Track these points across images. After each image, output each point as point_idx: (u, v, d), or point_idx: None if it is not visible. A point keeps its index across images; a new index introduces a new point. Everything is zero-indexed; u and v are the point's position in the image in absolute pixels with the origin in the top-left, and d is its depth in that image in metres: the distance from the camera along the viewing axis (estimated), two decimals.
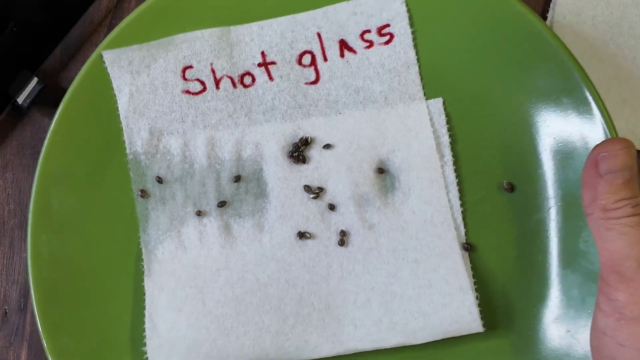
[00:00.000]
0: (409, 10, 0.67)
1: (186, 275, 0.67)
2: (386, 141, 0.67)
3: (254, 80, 0.69)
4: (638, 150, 0.63)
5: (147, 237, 0.68)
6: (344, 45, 0.68)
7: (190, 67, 0.69)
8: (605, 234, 0.51)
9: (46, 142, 0.67)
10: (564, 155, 0.64)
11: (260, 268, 0.67)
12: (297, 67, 0.69)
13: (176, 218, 0.68)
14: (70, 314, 0.66)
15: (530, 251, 0.65)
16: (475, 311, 0.63)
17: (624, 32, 0.72)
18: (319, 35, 0.68)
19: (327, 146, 0.67)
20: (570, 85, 0.62)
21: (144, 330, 0.66)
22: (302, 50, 0.69)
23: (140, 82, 0.68)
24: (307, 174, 0.68)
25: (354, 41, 0.68)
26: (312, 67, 0.69)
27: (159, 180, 0.68)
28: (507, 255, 0.66)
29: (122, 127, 0.68)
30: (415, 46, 0.67)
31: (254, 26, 0.68)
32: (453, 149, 0.67)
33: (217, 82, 0.69)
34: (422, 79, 0.67)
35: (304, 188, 0.67)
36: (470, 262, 0.65)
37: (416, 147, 0.67)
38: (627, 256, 0.50)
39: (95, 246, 0.68)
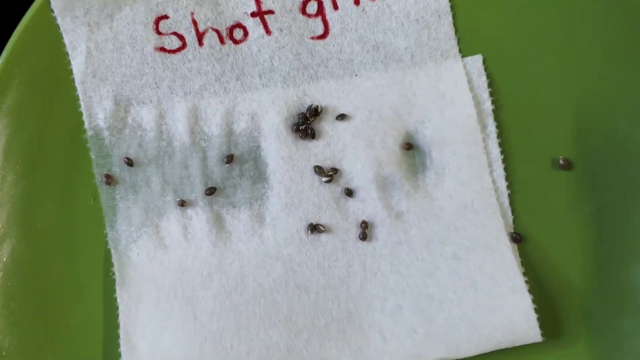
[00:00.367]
0: None
1: (170, 282, 0.57)
2: (414, 109, 0.59)
3: (246, 34, 0.59)
4: None
5: (117, 234, 0.58)
6: None
7: (165, 17, 0.58)
8: None
9: None
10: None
11: (263, 270, 0.57)
12: (301, 17, 0.59)
13: (153, 210, 0.58)
14: (31, 333, 0.56)
15: (592, 241, 0.58)
16: (532, 317, 0.55)
17: None
18: None
19: (341, 117, 0.59)
20: None
21: (119, 354, 0.56)
22: None
23: (101, 36, 0.58)
24: (318, 151, 0.59)
25: None
26: (319, 18, 0.59)
27: (129, 162, 0.58)
28: (563, 247, 0.58)
29: (78, 95, 0.58)
30: None
31: None
32: (497, 118, 0.59)
33: (199, 37, 0.59)
34: (456, 32, 0.59)
35: (314, 169, 0.58)
36: (520, 256, 0.58)
37: (451, 116, 0.58)
38: None
39: (50, 247, 0.58)
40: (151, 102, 0.58)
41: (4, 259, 0.56)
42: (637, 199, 0.57)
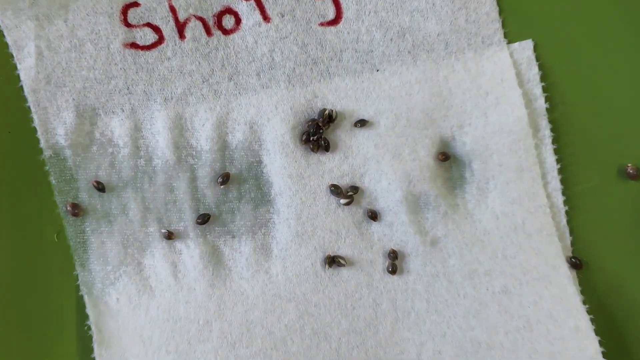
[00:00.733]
0: None
1: (160, 335, 0.51)
2: (450, 112, 0.52)
3: (238, 21, 0.52)
4: None
5: (90, 276, 0.52)
6: None
7: (135, 4, 0.52)
8: None
9: None
10: None
11: (272, 315, 0.52)
12: None
13: (133, 244, 0.52)
14: None
15: None
16: None
17: None
18: None
19: (361, 122, 0.52)
20: None
21: None
22: None
23: (54, 33, 0.51)
24: (333, 167, 0.52)
25: None
26: None
27: (99, 186, 0.52)
28: (631, 273, 0.53)
29: (29, 106, 0.52)
30: None
31: None
32: (551, 119, 0.52)
33: (180, 28, 0.51)
34: (500, 12, 0.52)
35: (330, 189, 0.52)
36: (579, 284, 0.52)
37: (497, 118, 0.52)
38: None
39: (6, 300, 0.52)
40: (123, 111, 0.51)
41: None
42: None
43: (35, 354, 0.51)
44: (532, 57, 0.52)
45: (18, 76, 0.50)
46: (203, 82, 0.51)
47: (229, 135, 0.52)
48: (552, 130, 0.52)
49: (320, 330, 0.51)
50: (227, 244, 0.52)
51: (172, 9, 0.50)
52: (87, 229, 0.51)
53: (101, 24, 0.50)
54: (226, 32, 0.51)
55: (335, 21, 0.51)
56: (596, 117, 0.52)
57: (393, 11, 0.51)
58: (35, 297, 0.51)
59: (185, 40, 0.51)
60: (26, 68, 0.50)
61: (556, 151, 0.52)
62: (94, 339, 0.50)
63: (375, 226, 0.52)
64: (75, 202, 0.51)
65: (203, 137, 0.51)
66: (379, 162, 0.52)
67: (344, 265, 0.51)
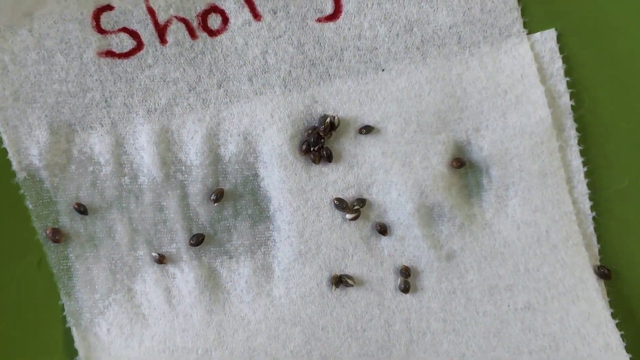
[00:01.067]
0: None
1: None
2: (465, 113, 0.49)
3: (226, 21, 0.48)
4: None
5: (76, 305, 0.49)
6: None
7: (109, 7, 0.47)
8: None
9: None
10: None
11: (277, 341, 0.48)
12: None
13: (122, 269, 0.49)
14: None
15: None
16: None
17: None
18: None
19: (366, 129, 0.48)
20: None
21: None
22: None
23: (18, 44, 0.47)
24: (337, 178, 0.49)
25: None
26: None
27: (81, 208, 0.48)
28: None
29: None
30: None
31: None
32: (577, 118, 0.48)
33: (160, 32, 0.47)
34: (519, 1, 0.48)
35: (334, 203, 0.48)
36: (607, 295, 0.49)
37: (517, 119, 0.48)
38: None
39: None
40: (102, 126, 0.48)
41: None
42: None
43: None
44: (556, 48, 0.48)
45: None
46: (189, 90, 0.48)
47: (221, 147, 0.48)
48: (577, 130, 0.48)
49: (329, 355, 0.48)
50: (224, 266, 0.48)
51: (151, 11, 0.46)
52: (71, 255, 0.48)
53: (71, 31, 0.46)
54: (212, 33, 0.47)
55: (334, 16, 0.47)
56: (626, 113, 0.49)
57: (398, 2, 0.47)
58: (19, 330, 0.48)
59: (167, 44, 0.47)
60: None
61: (582, 153, 0.48)
62: None
63: (385, 241, 0.49)
64: (56, 227, 0.48)
65: (192, 151, 0.47)
66: (388, 171, 0.48)
67: (352, 285, 0.47)
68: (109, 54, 0.47)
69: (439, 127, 0.48)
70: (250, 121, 0.47)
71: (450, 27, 0.47)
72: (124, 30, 0.47)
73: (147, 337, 0.48)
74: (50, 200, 0.47)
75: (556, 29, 0.48)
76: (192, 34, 0.47)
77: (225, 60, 0.47)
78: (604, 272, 0.48)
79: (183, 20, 0.46)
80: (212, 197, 0.48)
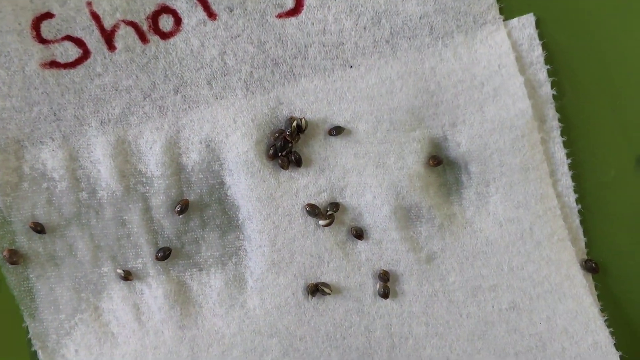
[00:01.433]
0: None
1: None
2: (440, 108, 0.46)
3: (178, 21, 0.44)
4: None
5: (41, 327, 0.46)
6: None
7: (49, 15, 0.43)
8: None
9: None
10: None
11: (254, 354, 0.46)
12: None
13: (86, 287, 0.46)
14: None
15: None
16: None
17: None
18: None
19: (336, 130, 0.46)
20: None
21: None
22: None
23: None
24: (308, 183, 0.46)
25: None
26: None
27: (38, 227, 0.45)
28: None
29: None
30: None
31: None
32: (559, 108, 0.46)
33: (108, 38, 0.43)
34: None
35: (306, 209, 0.46)
36: (595, 289, 0.47)
37: (495, 112, 0.45)
38: None
39: None
40: (53, 140, 0.44)
41: None
42: None
43: None
44: (535, 35, 0.45)
45: None
46: (144, 98, 0.44)
47: (182, 156, 0.45)
48: (560, 120, 0.46)
49: None
50: (194, 279, 0.46)
51: (95, 16, 0.42)
52: (31, 275, 0.45)
53: (9, 43, 0.42)
54: (165, 36, 0.43)
55: (295, 11, 0.44)
56: (611, 101, 0.46)
57: None
58: None
59: (116, 51, 0.43)
60: None
61: (566, 144, 0.46)
62: None
63: (361, 245, 0.46)
64: (13, 247, 0.45)
65: (152, 162, 0.44)
66: (361, 173, 0.46)
67: (329, 294, 0.45)
68: (54, 64, 0.43)
69: (413, 124, 0.45)
70: (212, 127, 0.44)
71: (420, 17, 0.44)
72: (68, 38, 0.43)
73: (118, 356, 0.45)
74: (4, 221, 0.45)
75: (534, 14, 0.45)
76: (143, 38, 0.43)
77: (180, 64, 0.44)
78: (591, 266, 0.46)
79: (132, 24, 0.43)
80: (176, 209, 0.45)
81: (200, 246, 0.46)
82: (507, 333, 0.46)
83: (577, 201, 0.46)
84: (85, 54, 0.43)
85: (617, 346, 0.45)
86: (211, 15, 0.43)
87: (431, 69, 0.44)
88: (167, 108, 0.44)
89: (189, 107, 0.44)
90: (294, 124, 0.43)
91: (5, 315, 0.46)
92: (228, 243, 0.46)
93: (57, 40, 0.43)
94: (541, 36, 0.45)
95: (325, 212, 0.45)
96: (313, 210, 0.45)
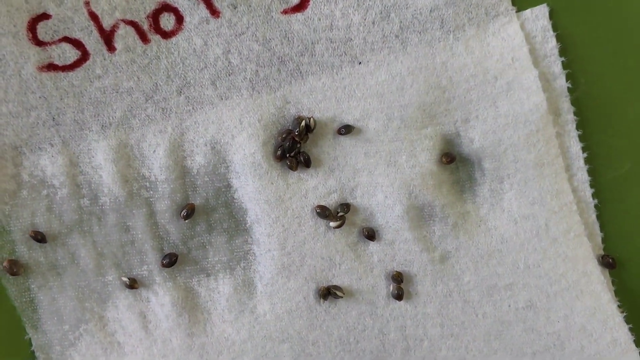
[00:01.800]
0: None
1: None
2: (452, 104, 0.45)
3: (180, 20, 0.43)
4: None
5: (45, 338, 0.45)
6: None
7: (45, 16, 0.42)
8: None
9: None
10: None
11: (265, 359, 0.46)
12: None
13: (90, 296, 0.45)
14: None
15: None
16: None
17: None
18: None
19: (346, 128, 0.45)
20: None
21: None
22: None
23: None
24: (317, 184, 0.45)
25: None
26: None
27: (38, 236, 0.44)
28: None
29: None
30: None
31: None
32: (574, 101, 0.45)
33: (107, 38, 0.42)
34: None
35: (316, 211, 0.45)
36: (612, 285, 0.47)
37: (509, 107, 0.44)
38: None
39: None
40: (52, 146, 0.43)
41: None
42: None
43: None
44: (549, 26, 0.44)
45: None
46: (146, 100, 0.43)
47: (187, 159, 0.44)
48: (575, 113, 0.45)
49: None
50: (202, 285, 0.45)
51: (93, 16, 0.41)
52: (33, 286, 0.44)
53: (5, 46, 0.41)
54: (166, 35, 0.42)
55: (301, 6, 0.43)
56: (626, 92, 0.46)
57: None
58: None
59: (116, 52, 0.42)
60: None
61: (581, 138, 0.46)
62: None
63: (373, 247, 0.46)
64: (13, 258, 0.44)
65: (156, 166, 0.43)
66: (372, 173, 0.45)
67: (341, 297, 0.44)
68: (51, 67, 0.42)
69: (424, 121, 0.44)
70: (218, 129, 0.43)
71: (431, 11, 0.43)
72: (66, 40, 0.42)
73: None
74: (3, 230, 0.44)
75: (548, 5, 0.44)
76: (144, 37, 0.42)
77: (183, 64, 0.43)
78: (608, 262, 0.46)
79: (131, 24, 0.42)
80: (182, 213, 0.44)
81: (208, 251, 0.45)
82: (524, 332, 0.45)
83: (593, 196, 0.45)
84: (84, 55, 0.42)
85: (637, 342, 0.45)
86: (214, 12, 0.42)
87: (442, 63, 0.43)
88: (171, 110, 0.43)
89: (193, 108, 0.43)
90: (303, 123, 0.42)
91: (8, 327, 0.45)
92: (236, 247, 0.45)
93: (54, 42, 0.42)
94: (555, 27, 0.44)
95: (336, 214, 0.44)
96: (323, 212, 0.44)
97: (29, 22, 0.41)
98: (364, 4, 0.42)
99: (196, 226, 0.45)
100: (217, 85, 0.43)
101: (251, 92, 0.43)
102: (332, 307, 0.45)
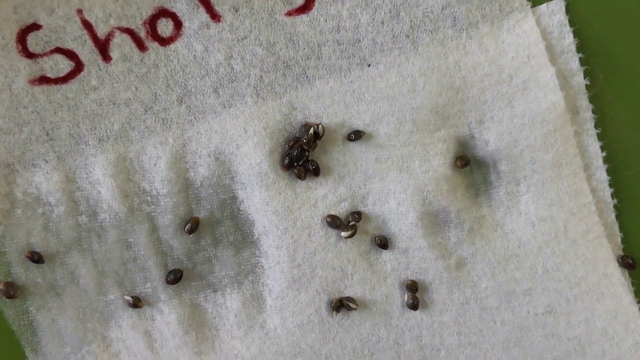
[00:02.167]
0: None
1: None
2: (466, 105, 0.43)
3: (178, 25, 0.41)
4: None
5: None
6: None
7: (35, 27, 0.40)
8: None
9: None
10: None
11: None
12: None
13: (92, 317, 0.44)
14: None
15: None
16: None
17: None
18: None
19: (356, 134, 0.43)
20: None
21: None
22: None
23: None
24: (327, 192, 0.43)
25: None
26: None
27: (35, 257, 0.43)
28: None
29: None
30: None
31: None
32: (592, 98, 0.43)
33: (102, 47, 0.40)
34: None
35: (326, 221, 0.43)
36: (632, 286, 0.45)
37: (525, 106, 0.42)
38: None
39: None
40: (47, 162, 0.42)
41: None
42: None
43: None
44: (565, 21, 0.42)
45: None
46: (145, 111, 0.41)
47: (190, 171, 0.42)
48: (593, 111, 0.43)
49: None
50: (209, 301, 0.44)
51: (87, 25, 0.39)
52: (31, 308, 0.43)
53: None
54: (164, 41, 0.40)
55: (306, 7, 0.41)
56: None
57: None
58: None
59: (112, 61, 0.40)
60: None
61: (600, 136, 0.44)
62: None
63: (386, 255, 0.44)
64: (9, 280, 0.42)
65: (157, 179, 0.42)
66: (384, 179, 0.43)
67: (354, 309, 0.42)
68: (43, 80, 0.40)
69: (437, 123, 0.42)
70: (221, 139, 0.42)
71: (442, 8, 0.41)
72: (58, 50, 0.40)
73: None
74: None
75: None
76: (141, 45, 0.40)
77: (183, 71, 0.41)
78: (628, 262, 0.44)
79: (128, 31, 0.40)
80: (186, 228, 0.42)
81: (214, 266, 0.44)
82: (544, 338, 0.44)
83: (613, 195, 0.44)
84: (78, 66, 0.41)
85: None
86: (215, 16, 0.40)
87: (455, 63, 0.41)
88: (171, 120, 0.41)
89: (194, 118, 0.42)
90: (311, 130, 0.40)
91: (6, 351, 0.44)
92: (243, 261, 0.44)
93: (45, 54, 0.40)
94: (572, 23, 0.42)
95: (347, 223, 0.43)
96: (334, 222, 0.42)
97: (18, 34, 0.39)
98: (372, 3, 0.40)
99: (201, 240, 0.43)
100: (220, 93, 0.42)
101: (256, 99, 0.41)
102: (345, 319, 0.44)
